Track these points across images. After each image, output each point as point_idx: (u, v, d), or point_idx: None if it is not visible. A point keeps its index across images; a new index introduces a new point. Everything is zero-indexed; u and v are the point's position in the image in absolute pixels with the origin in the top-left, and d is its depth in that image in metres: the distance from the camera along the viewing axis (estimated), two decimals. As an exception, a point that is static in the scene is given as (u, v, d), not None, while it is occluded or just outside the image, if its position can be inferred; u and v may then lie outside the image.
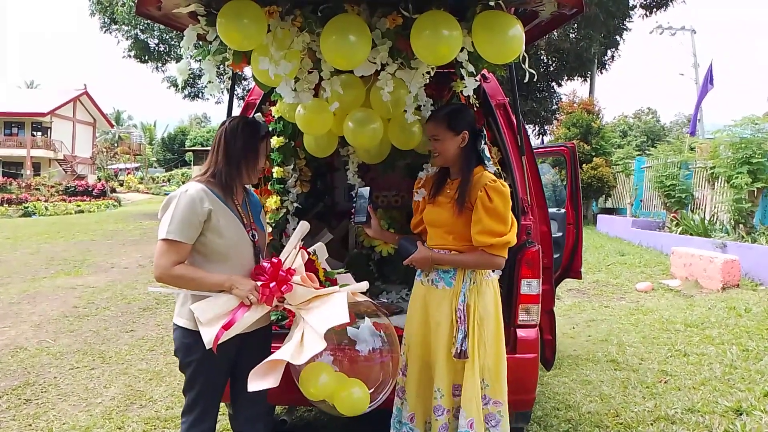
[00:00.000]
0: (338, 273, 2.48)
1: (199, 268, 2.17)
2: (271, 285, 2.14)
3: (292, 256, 2.27)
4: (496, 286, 2.52)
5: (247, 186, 2.42)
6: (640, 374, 4.46)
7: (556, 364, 4.26)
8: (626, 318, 6.29)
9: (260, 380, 2.06)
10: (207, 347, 2.03)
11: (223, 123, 2.31)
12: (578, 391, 4.12)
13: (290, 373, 2.29)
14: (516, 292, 2.77)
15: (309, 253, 2.37)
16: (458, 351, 2.34)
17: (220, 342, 2.04)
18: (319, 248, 2.50)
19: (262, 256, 2.33)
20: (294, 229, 2.65)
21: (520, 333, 2.77)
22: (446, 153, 2.46)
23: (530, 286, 2.77)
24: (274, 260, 2.22)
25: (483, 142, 2.50)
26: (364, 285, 2.42)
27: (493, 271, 2.52)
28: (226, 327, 2.05)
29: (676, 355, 4.91)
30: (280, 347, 2.17)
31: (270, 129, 3.10)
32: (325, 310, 2.15)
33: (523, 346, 2.76)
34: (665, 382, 4.27)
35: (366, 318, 2.42)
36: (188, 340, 2.18)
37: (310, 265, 2.35)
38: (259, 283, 2.15)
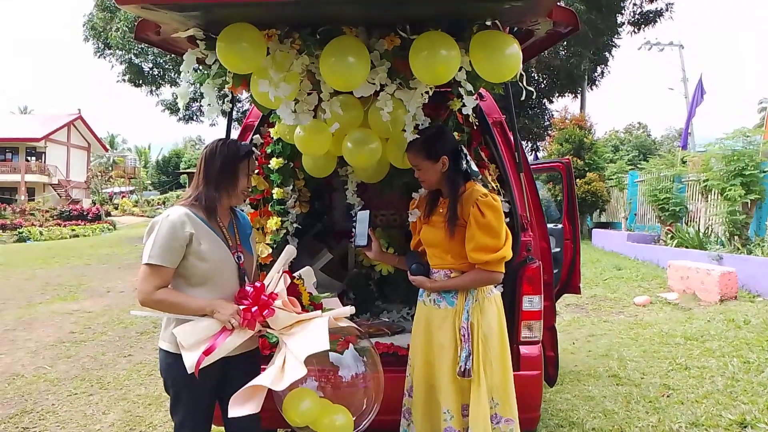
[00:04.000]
0: (324, 297, 2.46)
1: (182, 291, 2.17)
2: (253, 309, 2.12)
3: (275, 280, 2.25)
4: (499, 302, 2.51)
5: (240, 207, 2.41)
6: (642, 389, 4.44)
7: (558, 380, 4.23)
8: (626, 332, 6.28)
9: (241, 406, 2.03)
10: (189, 371, 2.02)
11: (206, 146, 2.32)
12: (581, 407, 4.10)
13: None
14: (518, 309, 2.77)
15: (293, 278, 2.35)
16: (462, 369, 2.32)
17: (202, 366, 2.02)
18: (306, 273, 2.48)
19: (248, 279, 2.31)
20: None
21: (523, 350, 2.77)
22: (430, 180, 2.48)
23: (532, 302, 2.77)
24: (258, 284, 2.20)
25: (465, 160, 2.52)
26: (349, 310, 2.39)
27: (495, 286, 2.52)
28: (207, 352, 2.03)
29: (677, 369, 4.89)
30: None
31: (269, 150, 3.11)
32: (305, 336, 2.12)
33: (526, 363, 2.75)
34: (668, 396, 4.25)
35: (351, 346, 2.39)
36: (170, 361, 2.17)
37: (293, 289, 2.32)
38: (241, 308, 2.14)
